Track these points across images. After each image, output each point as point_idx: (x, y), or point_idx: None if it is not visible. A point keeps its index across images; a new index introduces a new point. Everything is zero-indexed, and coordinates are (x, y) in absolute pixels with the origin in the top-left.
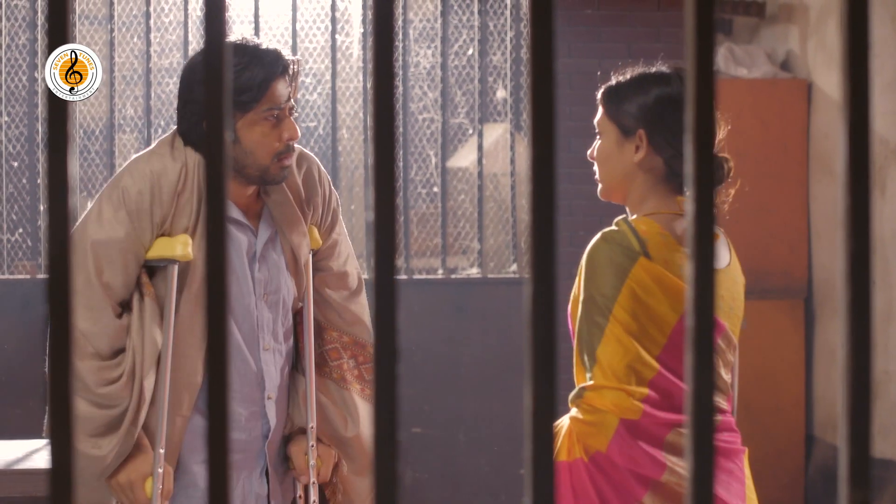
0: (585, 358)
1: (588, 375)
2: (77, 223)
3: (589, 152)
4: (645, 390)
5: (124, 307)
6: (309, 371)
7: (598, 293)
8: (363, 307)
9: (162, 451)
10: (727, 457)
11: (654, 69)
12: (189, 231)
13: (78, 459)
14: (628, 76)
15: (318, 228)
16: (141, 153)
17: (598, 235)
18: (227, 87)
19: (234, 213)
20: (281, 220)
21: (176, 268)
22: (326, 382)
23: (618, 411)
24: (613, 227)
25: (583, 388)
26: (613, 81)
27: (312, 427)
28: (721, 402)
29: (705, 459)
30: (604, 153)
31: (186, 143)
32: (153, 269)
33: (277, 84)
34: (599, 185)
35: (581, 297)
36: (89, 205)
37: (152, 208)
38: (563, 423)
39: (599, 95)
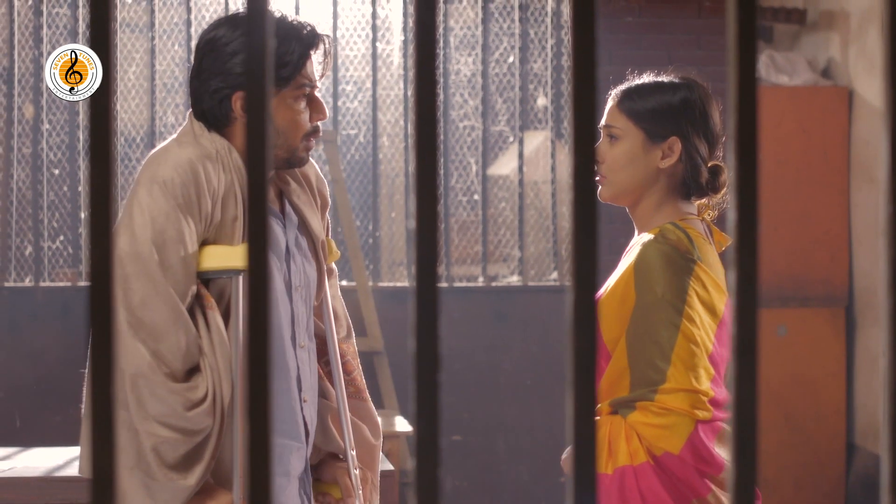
0: (656, 362)
1: (632, 380)
2: (114, 239)
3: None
4: (711, 391)
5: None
6: (339, 387)
7: (666, 295)
8: (344, 306)
9: (242, 482)
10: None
11: (665, 77)
12: (239, 221)
13: (160, 492)
14: (646, 80)
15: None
16: (164, 145)
17: (650, 239)
18: (269, 100)
19: None
20: (301, 209)
21: (241, 278)
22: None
23: (694, 413)
24: (662, 232)
25: (652, 391)
26: (632, 83)
27: (353, 453)
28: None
29: (750, 461)
30: (626, 157)
31: (210, 126)
32: (207, 281)
33: (312, 60)
34: (605, 188)
35: (643, 301)
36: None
37: (199, 200)
38: (619, 425)
39: (615, 97)
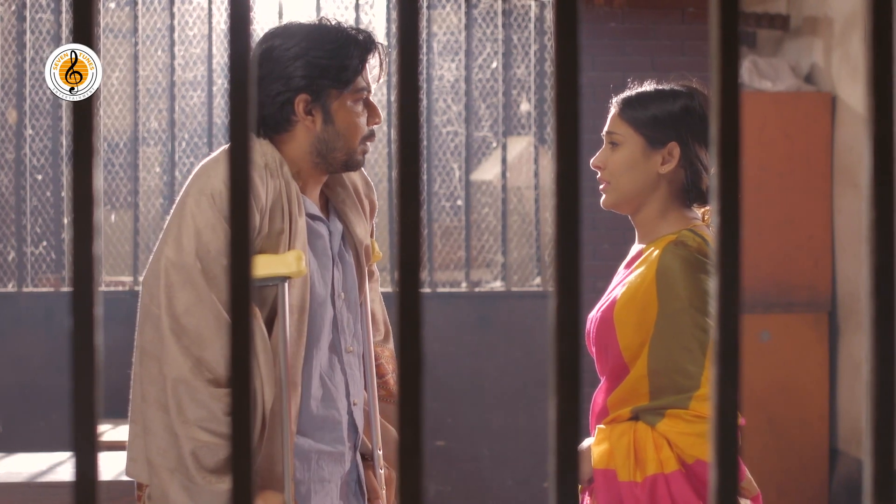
0: (687, 367)
1: (654, 387)
2: (162, 247)
3: (593, 161)
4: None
5: None
6: (371, 389)
7: (693, 301)
8: (385, 309)
9: (293, 484)
10: None
11: (666, 85)
12: (285, 234)
13: (199, 495)
14: (647, 88)
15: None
16: (214, 155)
17: (671, 246)
18: (252, 103)
19: (311, 207)
20: (346, 215)
21: (287, 285)
22: (378, 403)
23: None
24: (681, 239)
25: (687, 398)
26: (633, 91)
27: (380, 452)
28: None
29: (731, 467)
30: (626, 163)
31: (267, 132)
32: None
33: (370, 65)
34: (608, 195)
35: (668, 309)
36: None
37: None
38: (645, 434)
39: (617, 104)
